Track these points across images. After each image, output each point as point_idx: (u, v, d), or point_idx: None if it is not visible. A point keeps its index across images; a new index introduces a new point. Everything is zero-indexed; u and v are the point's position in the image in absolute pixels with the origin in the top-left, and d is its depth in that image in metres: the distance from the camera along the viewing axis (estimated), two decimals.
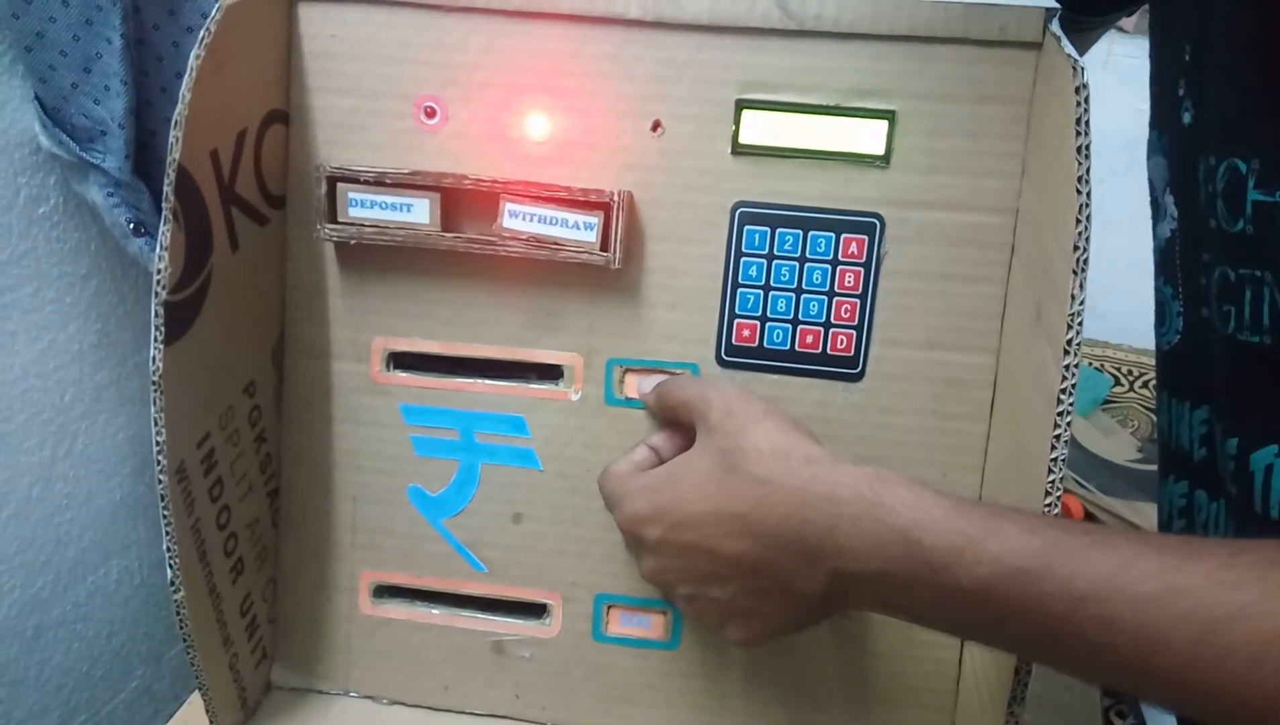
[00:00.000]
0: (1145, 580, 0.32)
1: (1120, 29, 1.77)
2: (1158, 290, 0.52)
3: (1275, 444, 0.41)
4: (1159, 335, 0.52)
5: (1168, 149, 0.50)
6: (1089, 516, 1.04)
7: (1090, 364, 1.45)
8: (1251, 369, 0.42)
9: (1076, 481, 1.21)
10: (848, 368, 0.50)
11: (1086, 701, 0.71)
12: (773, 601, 0.41)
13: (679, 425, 0.48)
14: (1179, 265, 0.49)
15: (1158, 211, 0.52)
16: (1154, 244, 0.52)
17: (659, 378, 0.50)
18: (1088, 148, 0.39)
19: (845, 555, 0.37)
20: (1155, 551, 0.33)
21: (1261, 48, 0.39)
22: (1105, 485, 1.18)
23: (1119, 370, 1.26)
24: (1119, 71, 1.62)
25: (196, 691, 0.50)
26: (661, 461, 0.47)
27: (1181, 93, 0.47)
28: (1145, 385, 1.23)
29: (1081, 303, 0.38)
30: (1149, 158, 0.52)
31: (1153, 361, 0.54)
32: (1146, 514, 0.92)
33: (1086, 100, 0.39)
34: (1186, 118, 0.46)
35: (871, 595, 0.39)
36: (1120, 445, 1.16)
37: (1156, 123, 0.51)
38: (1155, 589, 0.32)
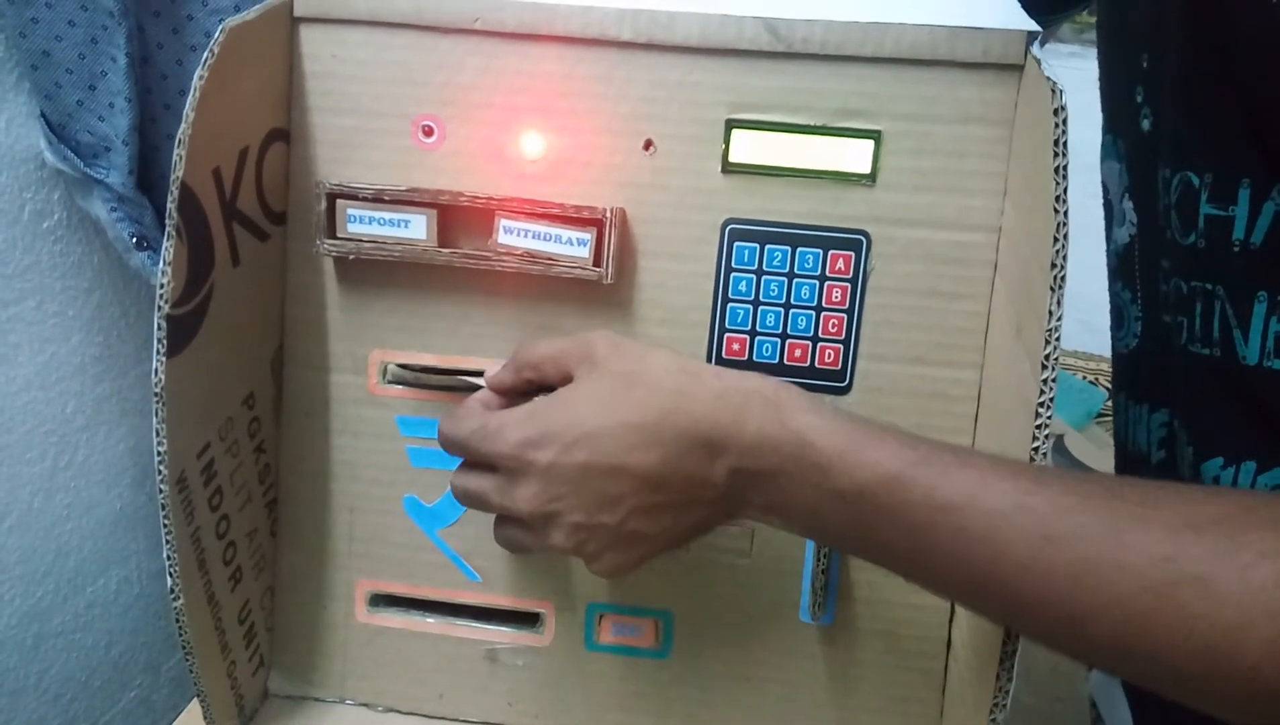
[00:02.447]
0: (1000, 498, 0.35)
1: None
2: (1114, 294, 0.52)
3: (1222, 457, 0.42)
4: (1116, 339, 0.53)
5: (1124, 154, 0.50)
6: None
7: (1084, 378, 1.46)
8: (1201, 380, 0.43)
9: None
10: (835, 381, 0.51)
11: (1077, 711, 0.72)
12: (664, 518, 0.41)
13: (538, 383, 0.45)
14: (1138, 271, 0.50)
15: (1112, 216, 0.52)
16: (1109, 248, 0.53)
17: (500, 363, 0.47)
18: (1065, 168, 0.40)
19: (747, 453, 0.39)
20: (1011, 473, 0.36)
21: (1211, 68, 0.40)
22: None
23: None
24: None
25: (194, 701, 0.51)
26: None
27: (1140, 100, 0.48)
28: None
29: (1059, 319, 0.39)
30: (1103, 162, 0.53)
31: None
32: None
33: (1064, 122, 0.40)
34: (1145, 125, 0.47)
35: (764, 495, 0.40)
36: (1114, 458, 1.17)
37: (1111, 127, 0.52)
38: (1006, 506, 0.35)
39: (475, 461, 0.43)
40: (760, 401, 0.39)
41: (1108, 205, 0.54)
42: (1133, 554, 0.33)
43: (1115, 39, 0.52)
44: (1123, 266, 0.51)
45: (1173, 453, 0.47)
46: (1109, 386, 1.26)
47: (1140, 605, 0.32)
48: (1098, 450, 1.23)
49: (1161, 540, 0.33)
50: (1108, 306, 0.55)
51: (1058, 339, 0.39)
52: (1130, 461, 0.52)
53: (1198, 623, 0.31)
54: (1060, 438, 1.30)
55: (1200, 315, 0.42)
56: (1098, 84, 0.55)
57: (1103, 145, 0.53)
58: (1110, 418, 1.27)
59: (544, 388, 0.44)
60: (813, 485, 0.38)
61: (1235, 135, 0.40)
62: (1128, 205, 0.50)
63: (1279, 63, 0.36)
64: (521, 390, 0.46)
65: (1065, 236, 0.39)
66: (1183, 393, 0.45)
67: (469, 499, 0.45)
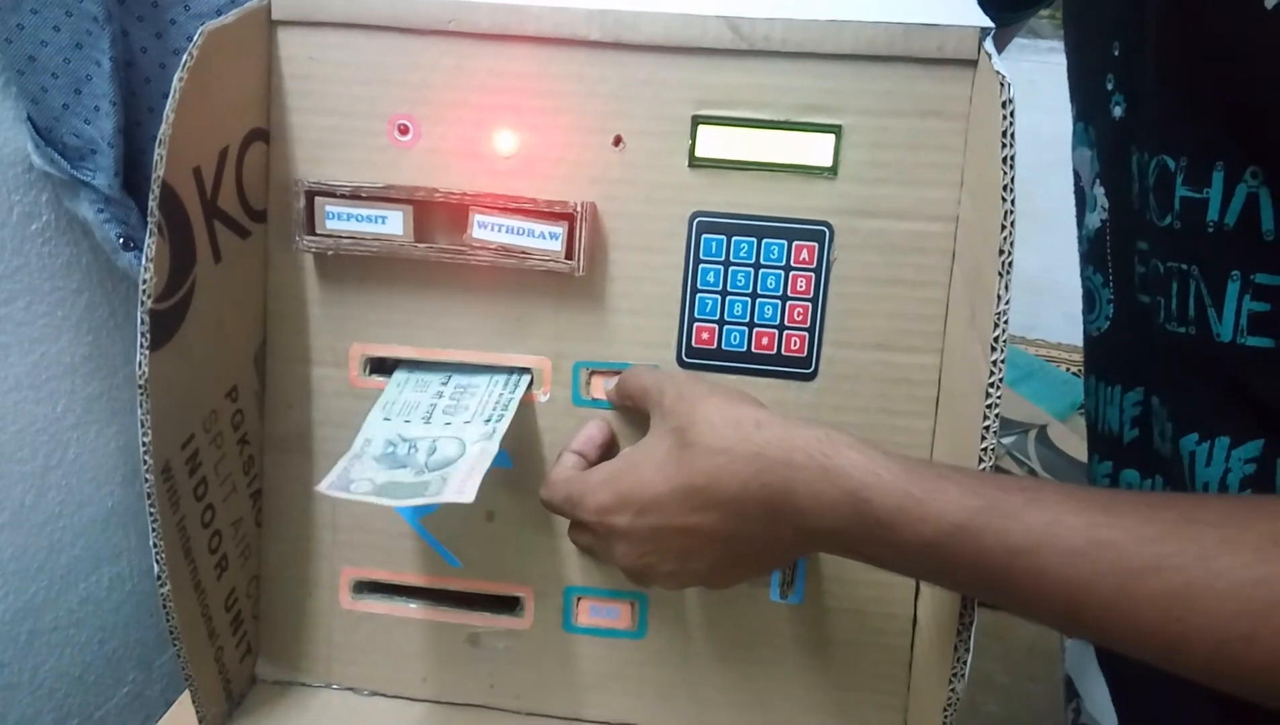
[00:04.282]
0: (1073, 535, 0.35)
1: None
2: (1086, 278, 0.54)
3: (1196, 433, 0.44)
4: (1087, 322, 0.54)
5: (1095, 141, 0.52)
6: None
7: (1068, 369, 1.48)
8: (1178, 358, 0.44)
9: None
10: (801, 368, 0.52)
11: (1051, 691, 0.74)
12: (749, 561, 0.44)
13: (633, 414, 0.51)
14: (1110, 254, 0.51)
15: (1084, 202, 0.54)
16: (1080, 233, 0.54)
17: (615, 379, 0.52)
18: (1012, 158, 0.41)
19: (804, 515, 0.40)
20: (1082, 508, 0.36)
21: (1189, 55, 0.42)
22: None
23: None
24: None
25: (186, 694, 0.52)
26: (588, 463, 0.50)
27: (1110, 87, 0.49)
28: None
29: (1007, 303, 0.41)
30: (1074, 150, 0.54)
31: None
32: None
33: (1012, 114, 0.42)
34: (1118, 111, 0.49)
35: (834, 546, 0.41)
36: None
37: (1081, 115, 0.53)
38: (1081, 543, 0.35)
39: (574, 522, 0.48)
40: (804, 459, 0.39)
41: (1079, 192, 0.55)
42: (1224, 580, 0.33)
43: (1085, 28, 0.53)
44: (1094, 251, 0.53)
45: (1146, 431, 0.49)
46: None
47: (1240, 629, 0.32)
48: (1080, 440, 1.25)
49: (1251, 563, 0.32)
50: None
51: (1006, 321, 0.41)
52: (1101, 442, 0.53)
53: None
54: (1044, 428, 1.32)
55: (1176, 295, 0.43)
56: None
57: (1074, 133, 0.54)
58: None
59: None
60: (877, 539, 0.38)
61: (1210, 120, 0.41)
62: (1099, 191, 0.51)
63: (1255, 51, 0.37)
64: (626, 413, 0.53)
65: (1012, 223, 0.41)
66: (1161, 371, 0.46)
67: (583, 551, 0.53)
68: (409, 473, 0.48)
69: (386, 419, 0.52)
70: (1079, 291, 0.56)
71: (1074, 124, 0.54)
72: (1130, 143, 0.47)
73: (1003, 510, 0.36)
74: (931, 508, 0.37)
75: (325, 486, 0.47)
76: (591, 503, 0.46)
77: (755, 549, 0.43)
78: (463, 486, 0.45)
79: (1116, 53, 0.48)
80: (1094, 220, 0.52)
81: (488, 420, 0.51)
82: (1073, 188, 0.56)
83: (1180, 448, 0.45)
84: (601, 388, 0.54)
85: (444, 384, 0.53)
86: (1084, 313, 0.55)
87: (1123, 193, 0.48)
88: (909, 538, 0.38)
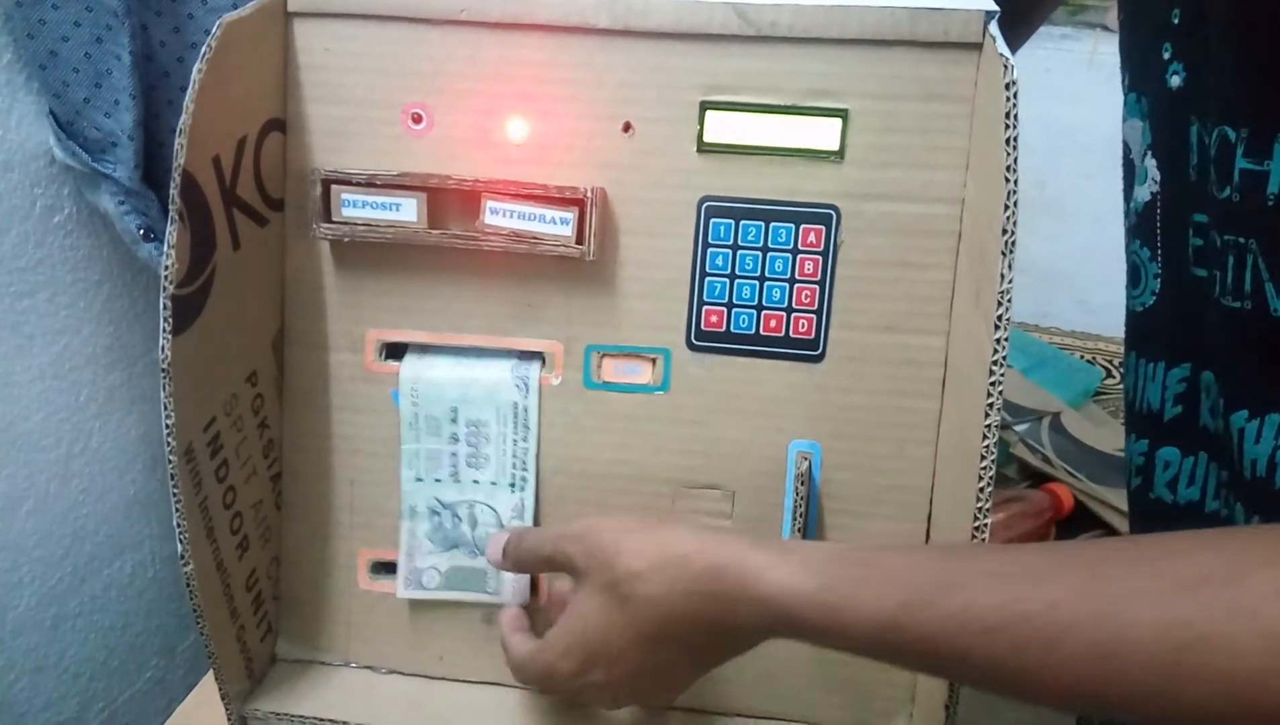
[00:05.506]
0: (989, 614, 0.36)
1: (1106, 28, 1.81)
2: (1132, 252, 0.53)
3: (1246, 409, 0.43)
4: (1131, 297, 0.53)
5: (1148, 111, 0.51)
6: (1079, 505, 1.06)
7: (1082, 357, 1.48)
8: (1232, 333, 0.44)
9: (1068, 471, 1.23)
10: (809, 350, 0.53)
11: None
12: (721, 659, 0.46)
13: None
14: (1159, 227, 0.50)
15: (1133, 174, 0.53)
16: (1128, 206, 0.53)
17: (502, 540, 0.52)
18: (1015, 140, 0.42)
19: (750, 630, 0.43)
20: (1001, 584, 0.37)
21: (1251, 23, 0.41)
22: (1095, 474, 1.20)
23: (1110, 362, 1.29)
24: (1104, 69, 1.65)
25: (205, 679, 0.53)
26: (528, 614, 0.54)
27: (1168, 56, 0.48)
28: None
29: (1010, 282, 0.41)
30: (1124, 121, 0.54)
31: None
32: None
33: (1015, 96, 0.42)
34: (1175, 81, 0.48)
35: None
36: (1110, 435, 1.19)
37: (1134, 85, 0.53)
38: (996, 621, 0.36)
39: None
40: (734, 589, 0.41)
41: (1128, 164, 0.54)
42: (1137, 633, 0.33)
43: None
44: (1142, 224, 0.52)
45: (1190, 409, 0.48)
46: (1106, 365, 1.28)
47: (1157, 680, 0.33)
48: (1095, 428, 1.25)
49: (1164, 607, 0.33)
50: (1106, 286, 0.55)
51: (1009, 300, 0.41)
52: (1139, 420, 0.53)
53: (1217, 682, 0.32)
54: (1057, 416, 1.32)
55: (1233, 268, 0.43)
56: (1118, 48, 0.55)
57: (1125, 105, 0.54)
58: (1107, 396, 1.28)
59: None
60: (817, 642, 0.41)
61: (1273, 91, 0.40)
62: (1150, 162, 0.50)
63: None
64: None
65: (1015, 204, 0.41)
66: (1214, 346, 0.46)
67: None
68: (464, 554, 0.56)
69: (419, 480, 0.56)
70: (1093, 280, 0.55)
71: (1125, 95, 0.54)
72: (1189, 113, 0.46)
73: (921, 601, 0.38)
74: (852, 615, 0.39)
75: (405, 591, 0.57)
76: (563, 673, 0.47)
77: (722, 653, 0.45)
78: (516, 591, 0.56)
79: (1176, 21, 0.47)
80: (1143, 193, 0.51)
81: (512, 485, 0.55)
82: (1122, 161, 0.55)
83: (1230, 424, 0.44)
84: (612, 371, 0.54)
85: (454, 422, 0.55)
86: (1128, 287, 0.54)
87: (1177, 164, 0.48)
88: (841, 643, 0.40)
